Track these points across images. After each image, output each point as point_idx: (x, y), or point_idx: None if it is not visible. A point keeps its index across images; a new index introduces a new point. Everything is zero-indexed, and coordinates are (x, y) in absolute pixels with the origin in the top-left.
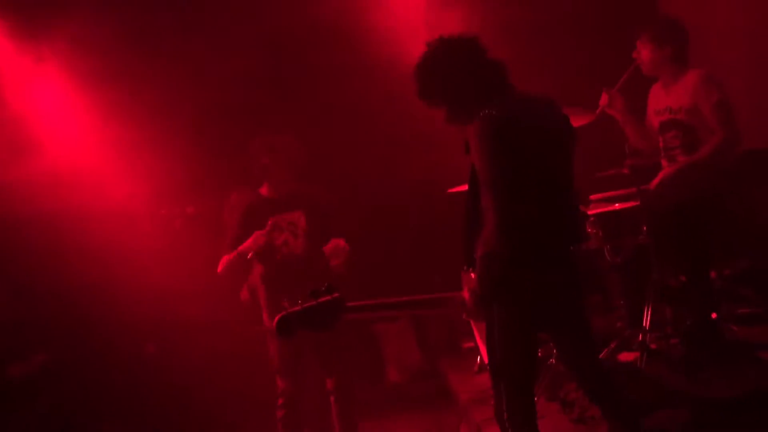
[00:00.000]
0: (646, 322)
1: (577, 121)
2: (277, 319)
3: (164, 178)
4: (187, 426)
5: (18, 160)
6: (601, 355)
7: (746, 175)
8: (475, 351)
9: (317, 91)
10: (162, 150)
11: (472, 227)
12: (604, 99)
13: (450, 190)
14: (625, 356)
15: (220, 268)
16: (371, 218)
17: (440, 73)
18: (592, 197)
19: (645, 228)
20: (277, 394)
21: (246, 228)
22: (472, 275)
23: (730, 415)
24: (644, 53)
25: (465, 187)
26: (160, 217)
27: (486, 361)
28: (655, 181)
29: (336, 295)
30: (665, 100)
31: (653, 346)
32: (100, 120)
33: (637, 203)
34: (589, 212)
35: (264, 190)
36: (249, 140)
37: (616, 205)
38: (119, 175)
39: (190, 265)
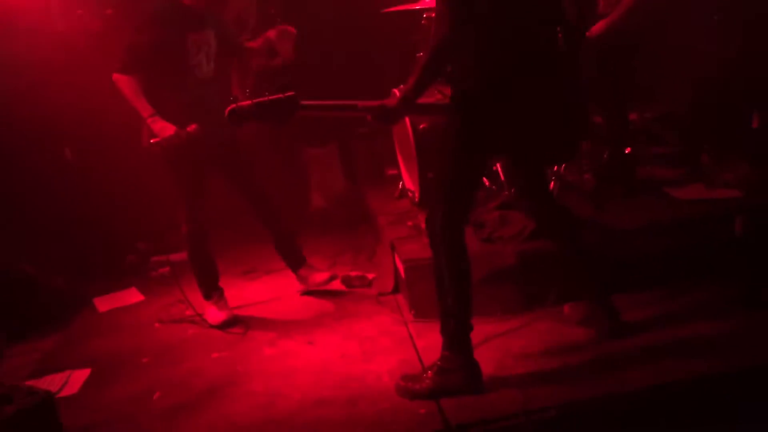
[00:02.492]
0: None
1: None
2: (228, 109)
3: None
4: (104, 234)
5: None
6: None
7: (677, 15)
8: (398, 177)
9: None
10: None
11: None
12: None
13: (385, 11)
14: None
15: (118, 85)
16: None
17: None
18: None
19: None
20: (181, 219)
21: (156, 37)
22: (396, 91)
23: (631, 240)
24: None
25: (400, 8)
26: (77, 18)
27: (407, 186)
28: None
29: (290, 93)
30: None
31: (569, 178)
32: None
33: None
34: None
35: None
36: None
37: None
38: None
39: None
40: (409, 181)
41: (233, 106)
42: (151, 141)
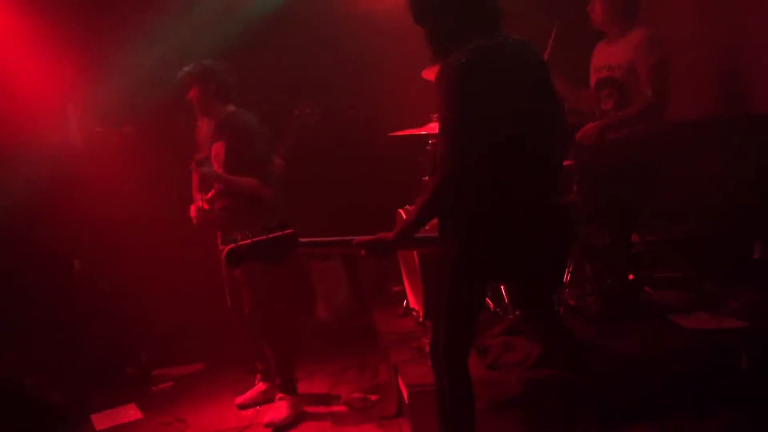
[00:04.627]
0: (567, 278)
1: None
2: (226, 250)
3: (100, 97)
4: (109, 344)
5: None
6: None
7: (682, 145)
8: (402, 295)
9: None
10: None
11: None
12: None
13: (391, 134)
14: None
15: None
16: (310, 160)
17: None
18: None
19: (575, 187)
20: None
21: None
22: (401, 211)
23: (630, 365)
24: (597, 6)
25: (406, 132)
26: (96, 134)
27: (411, 305)
28: (580, 133)
29: (289, 231)
30: (606, 56)
31: (572, 302)
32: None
33: (570, 162)
34: None
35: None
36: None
37: None
38: (52, 91)
39: (127, 184)
40: (413, 300)
41: (232, 246)
42: None
